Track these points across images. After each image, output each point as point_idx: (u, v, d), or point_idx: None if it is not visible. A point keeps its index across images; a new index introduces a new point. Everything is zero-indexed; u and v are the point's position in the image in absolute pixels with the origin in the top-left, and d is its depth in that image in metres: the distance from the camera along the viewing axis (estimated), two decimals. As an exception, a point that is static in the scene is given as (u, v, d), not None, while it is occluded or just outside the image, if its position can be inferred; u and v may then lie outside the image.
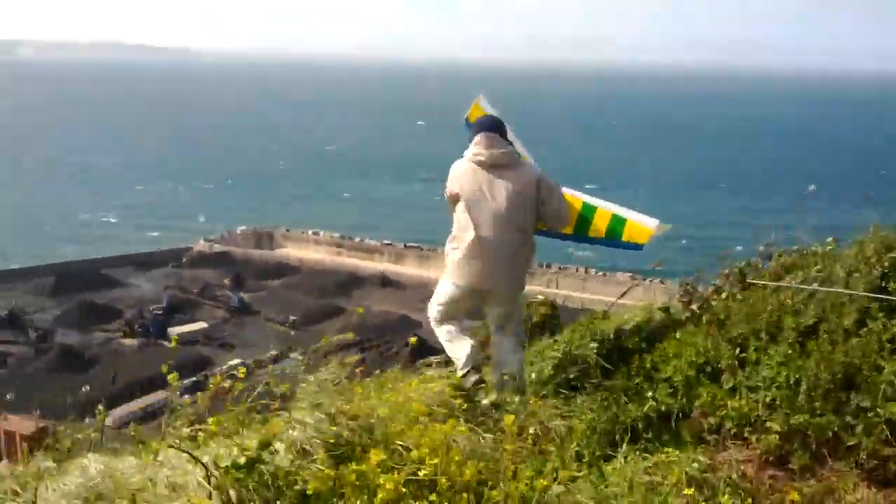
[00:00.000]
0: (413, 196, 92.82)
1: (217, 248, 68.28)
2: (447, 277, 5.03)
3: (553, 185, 4.98)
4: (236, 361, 43.42)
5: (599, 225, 5.17)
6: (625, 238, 5.11)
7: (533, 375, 5.19)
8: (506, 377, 4.92)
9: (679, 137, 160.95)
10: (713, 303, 5.24)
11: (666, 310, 5.53)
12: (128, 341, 48.89)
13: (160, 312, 51.85)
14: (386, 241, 66.53)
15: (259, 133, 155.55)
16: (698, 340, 4.86)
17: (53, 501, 3.08)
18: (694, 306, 5.45)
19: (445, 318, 5.09)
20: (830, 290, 4.58)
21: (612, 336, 5.41)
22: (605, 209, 5.17)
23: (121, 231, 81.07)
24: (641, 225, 5.09)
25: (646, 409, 4.40)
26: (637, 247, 5.09)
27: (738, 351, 4.55)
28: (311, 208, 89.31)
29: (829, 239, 5.52)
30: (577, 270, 54.05)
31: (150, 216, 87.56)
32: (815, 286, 4.66)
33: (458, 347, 4.93)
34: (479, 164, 4.85)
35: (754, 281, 5.18)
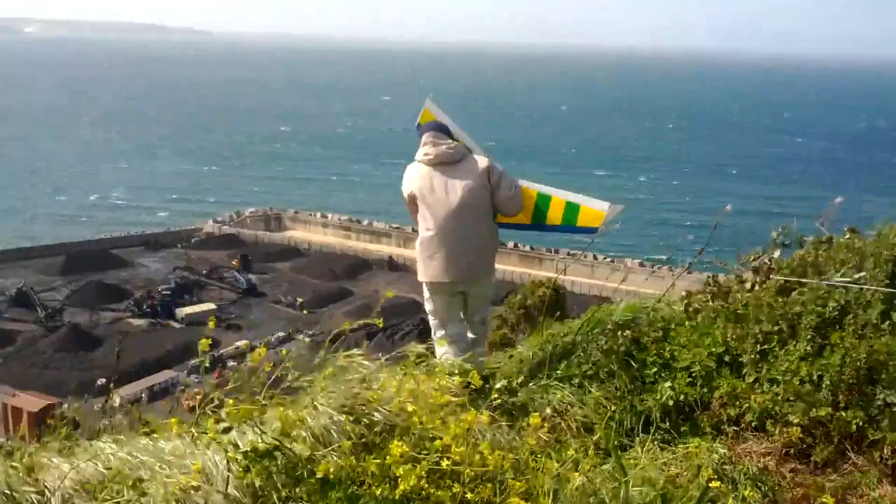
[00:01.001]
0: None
1: (226, 229, 68.36)
2: (421, 279, 5.16)
3: (502, 172, 5.13)
4: (243, 342, 43.63)
5: (555, 213, 5.32)
6: (579, 224, 5.28)
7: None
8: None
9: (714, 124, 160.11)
10: (734, 294, 5.17)
11: (685, 299, 5.45)
12: (136, 321, 49.05)
13: (168, 293, 51.97)
14: (394, 225, 66.46)
15: (270, 115, 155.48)
16: (718, 331, 4.80)
17: (68, 483, 3.06)
18: (712, 295, 5.39)
19: (438, 325, 5.22)
20: (853, 283, 4.51)
21: (626, 324, 5.35)
22: (559, 197, 5.31)
23: (130, 212, 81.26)
24: (594, 209, 5.24)
25: (663, 398, 4.36)
26: (592, 230, 5.29)
27: (758, 343, 4.49)
28: (320, 191, 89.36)
29: (846, 228, 5.46)
30: (585, 257, 53.92)
31: (159, 197, 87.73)
32: (838, 279, 4.59)
33: (440, 351, 5.04)
34: (429, 162, 5.02)
35: (779, 278, 5.09)
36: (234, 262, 58.92)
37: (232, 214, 72.23)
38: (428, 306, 5.26)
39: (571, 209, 5.29)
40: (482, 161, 5.09)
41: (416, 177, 5.06)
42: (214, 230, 68.32)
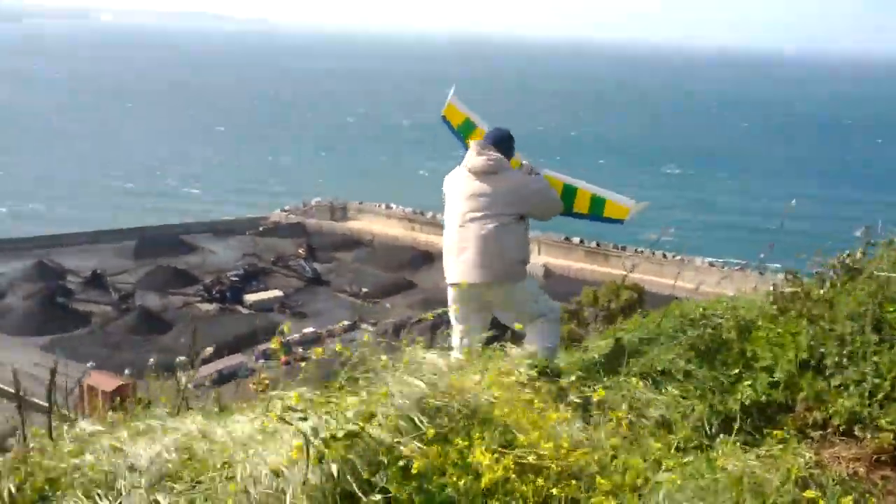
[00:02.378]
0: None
1: (292, 218, 69.37)
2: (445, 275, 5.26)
3: (532, 192, 5.21)
4: (310, 329, 44.24)
5: (581, 205, 5.46)
6: (606, 215, 5.45)
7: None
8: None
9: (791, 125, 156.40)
10: (816, 293, 4.99)
11: (770, 295, 5.29)
12: (205, 306, 50.16)
13: (237, 279, 53.01)
14: (458, 218, 66.38)
15: (336, 105, 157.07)
16: (800, 332, 4.64)
17: (146, 457, 3.10)
18: (793, 294, 5.22)
19: (455, 321, 5.26)
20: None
21: (705, 322, 5.22)
22: (586, 190, 5.45)
23: (199, 199, 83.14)
24: (619, 204, 5.40)
25: (745, 399, 4.23)
26: (619, 222, 5.46)
27: (843, 345, 4.33)
28: (386, 183, 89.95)
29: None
30: (653, 254, 53.10)
31: (229, 185, 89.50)
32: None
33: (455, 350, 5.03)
34: (467, 169, 5.16)
35: (884, 273, 4.89)
36: (300, 251, 59.78)
37: (298, 204, 73.25)
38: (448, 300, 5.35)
39: (597, 202, 5.44)
40: (517, 179, 5.17)
41: (450, 178, 5.29)
42: (281, 219, 69.40)
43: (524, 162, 5.42)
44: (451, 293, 5.22)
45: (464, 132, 5.70)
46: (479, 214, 5.04)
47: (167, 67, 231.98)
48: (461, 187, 5.13)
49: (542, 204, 5.27)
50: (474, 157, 5.13)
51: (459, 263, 5.08)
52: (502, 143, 5.24)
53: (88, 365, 32.57)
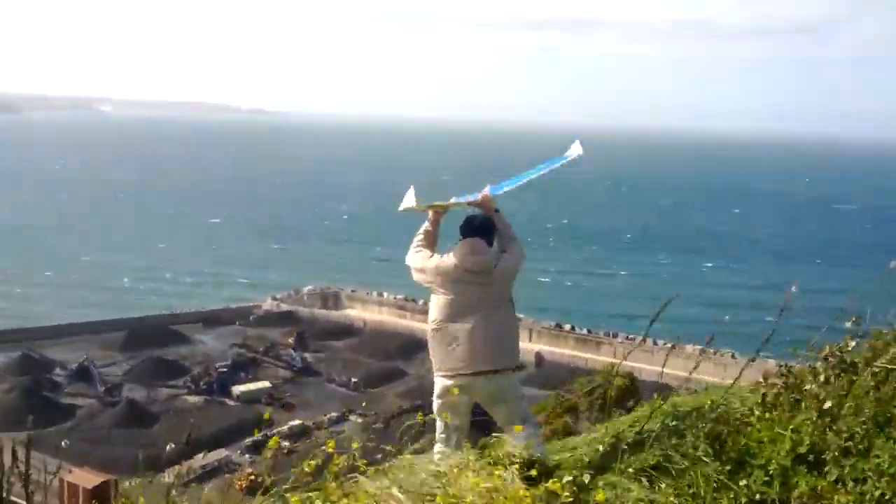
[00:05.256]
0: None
1: (284, 306, 69.10)
2: (435, 370, 5.14)
3: (517, 265, 5.19)
4: (297, 422, 43.49)
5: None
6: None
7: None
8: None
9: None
10: (811, 387, 4.91)
11: (760, 389, 5.21)
12: (192, 398, 49.43)
13: (225, 370, 52.41)
14: (449, 305, 66.30)
15: (332, 192, 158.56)
16: (794, 426, 4.55)
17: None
18: (785, 387, 5.15)
19: (441, 415, 5.14)
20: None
21: (696, 415, 5.13)
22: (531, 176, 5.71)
23: (192, 287, 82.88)
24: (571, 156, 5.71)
25: (741, 497, 4.11)
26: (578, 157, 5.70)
27: (840, 440, 4.23)
28: (379, 269, 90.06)
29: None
30: (644, 341, 52.88)
31: (221, 273, 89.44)
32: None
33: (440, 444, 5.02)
34: (463, 268, 5.06)
35: (883, 365, 4.83)
36: (289, 340, 59.34)
37: (291, 292, 73.09)
38: (435, 391, 5.23)
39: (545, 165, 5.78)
40: (509, 263, 5.13)
41: (438, 266, 5.16)
42: (273, 307, 69.12)
43: (496, 209, 5.34)
44: (440, 384, 5.12)
45: (423, 213, 5.65)
46: (475, 304, 5.01)
47: (163, 158, 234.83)
48: (453, 277, 5.08)
49: (522, 261, 5.26)
50: (469, 256, 5.07)
51: (456, 353, 5.01)
52: (489, 233, 5.23)
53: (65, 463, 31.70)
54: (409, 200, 5.34)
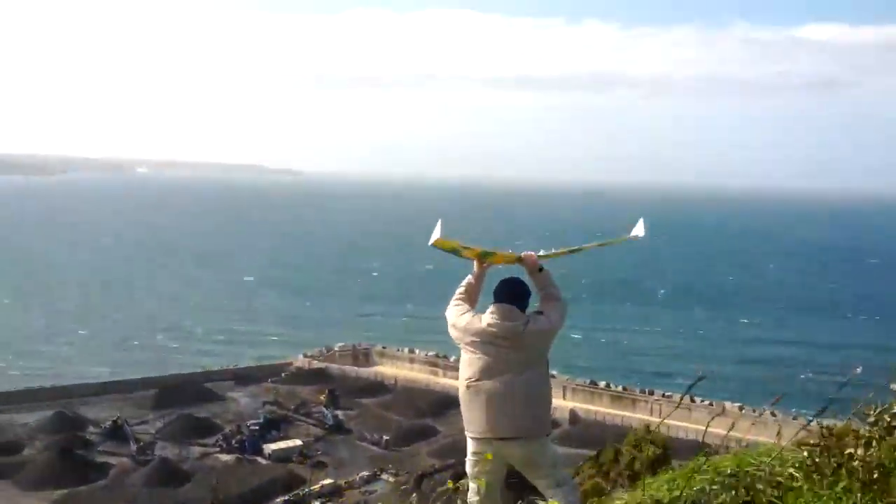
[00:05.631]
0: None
1: (315, 364, 69.06)
2: (466, 430, 5.15)
3: (555, 327, 5.17)
4: (328, 481, 43.08)
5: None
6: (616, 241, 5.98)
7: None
8: None
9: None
10: (854, 450, 4.72)
11: (801, 451, 5.02)
12: (224, 456, 49.23)
13: (256, 428, 52.23)
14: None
15: (360, 251, 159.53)
16: (837, 492, 4.37)
17: None
18: (827, 451, 4.95)
19: (474, 476, 5.11)
20: None
21: (738, 480, 4.95)
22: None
23: (224, 344, 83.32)
24: (632, 236, 5.75)
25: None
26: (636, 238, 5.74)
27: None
28: (409, 326, 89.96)
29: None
30: (681, 399, 51.85)
31: (254, 330, 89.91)
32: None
33: None
34: (494, 331, 5.03)
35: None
36: (321, 398, 59.10)
37: (322, 349, 73.11)
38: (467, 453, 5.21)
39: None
40: (542, 326, 5.08)
41: (469, 325, 5.14)
42: (304, 364, 69.10)
43: (540, 268, 5.31)
44: (472, 445, 5.09)
45: (456, 253, 5.58)
46: (503, 367, 4.97)
47: (196, 217, 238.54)
48: (482, 339, 5.05)
49: (561, 323, 5.22)
50: (497, 321, 5.03)
51: (483, 416, 4.98)
52: (522, 298, 5.18)
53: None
54: (437, 233, 5.30)
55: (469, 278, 5.45)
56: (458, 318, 5.21)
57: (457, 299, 5.36)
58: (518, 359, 4.99)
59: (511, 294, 5.15)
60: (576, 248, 5.71)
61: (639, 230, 5.69)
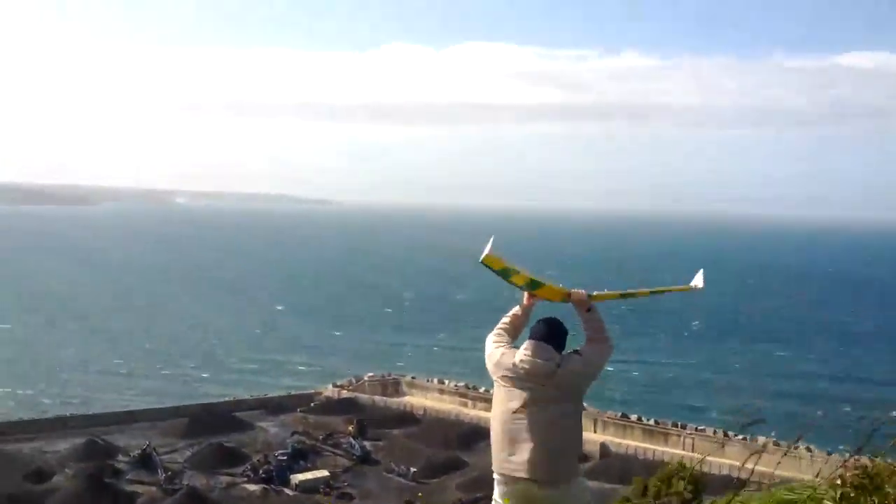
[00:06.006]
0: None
1: (344, 394, 68.91)
2: (493, 464, 5.06)
3: (596, 369, 5.05)
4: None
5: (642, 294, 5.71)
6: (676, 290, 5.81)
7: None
8: None
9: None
10: (889, 488, 4.42)
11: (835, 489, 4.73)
12: (251, 486, 49.07)
13: (284, 458, 52.05)
14: (511, 393, 65.18)
15: (392, 280, 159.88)
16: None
17: None
18: (862, 488, 4.66)
19: None
20: None
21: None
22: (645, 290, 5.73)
23: (254, 374, 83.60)
24: (689, 286, 5.63)
25: None
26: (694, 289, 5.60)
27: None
28: (440, 356, 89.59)
29: None
30: (714, 433, 50.92)
31: (282, 360, 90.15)
32: None
33: None
34: (524, 368, 4.94)
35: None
36: (349, 428, 58.84)
37: (351, 378, 72.98)
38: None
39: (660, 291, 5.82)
40: (577, 367, 4.96)
41: (503, 359, 5.08)
42: (333, 394, 68.98)
43: (589, 308, 5.20)
44: (499, 487, 4.98)
45: (504, 275, 5.41)
46: (532, 405, 4.88)
47: (231, 246, 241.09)
48: (515, 376, 4.97)
49: (599, 365, 5.11)
50: (528, 359, 4.95)
51: (512, 456, 4.89)
52: (558, 337, 5.09)
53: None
54: (487, 249, 5.15)
55: (516, 309, 5.38)
56: (494, 350, 5.18)
57: (498, 330, 5.31)
58: (548, 398, 4.88)
59: (548, 333, 5.07)
60: (630, 291, 5.63)
61: (698, 281, 5.63)
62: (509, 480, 4.88)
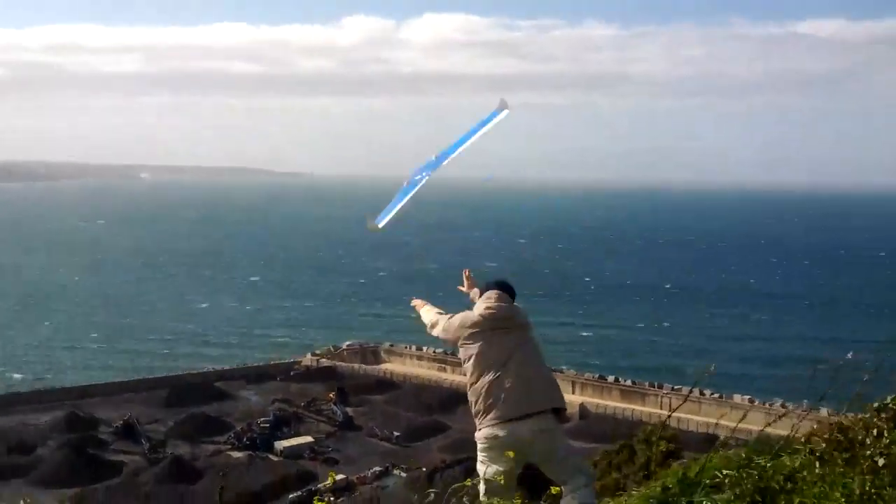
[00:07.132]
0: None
1: (324, 362, 69.26)
2: (481, 422, 5.11)
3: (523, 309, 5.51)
4: (341, 476, 43.28)
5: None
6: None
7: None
8: None
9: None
10: (864, 440, 4.83)
11: (806, 445, 5.14)
12: (235, 454, 49.50)
13: (267, 426, 52.46)
14: (489, 358, 65.90)
15: (365, 251, 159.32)
16: (846, 483, 4.47)
17: None
18: (837, 442, 5.06)
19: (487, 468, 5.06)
20: None
21: (748, 471, 5.05)
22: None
23: (233, 346, 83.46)
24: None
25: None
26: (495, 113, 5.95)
27: (896, 497, 4.15)
28: (415, 325, 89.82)
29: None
30: (691, 392, 51.94)
31: (260, 331, 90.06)
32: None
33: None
34: (501, 319, 5.29)
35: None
36: (330, 395, 59.33)
37: (330, 347, 73.29)
38: (480, 446, 5.18)
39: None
40: (524, 312, 5.45)
41: (466, 318, 5.38)
42: (312, 363, 69.31)
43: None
44: (486, 433, 5.04)
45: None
46: (509, 351, 5.17)
47: (200, 221, 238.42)
48: (484, 327, 5.27)
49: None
50: (498, 304, 5.34)
51: (500, 400, 5.01)
52: (512, 290, 5.55)
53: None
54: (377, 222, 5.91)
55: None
56: (448, 322, 5.47)
57: (437, 312, 5.81)
58: (520, 338, 5.26)
59: (507, 287, 5.53)
60: (460, 145, 6.05)
61: (502, 105, 6.06)
62: (497, 424, 4.97)
